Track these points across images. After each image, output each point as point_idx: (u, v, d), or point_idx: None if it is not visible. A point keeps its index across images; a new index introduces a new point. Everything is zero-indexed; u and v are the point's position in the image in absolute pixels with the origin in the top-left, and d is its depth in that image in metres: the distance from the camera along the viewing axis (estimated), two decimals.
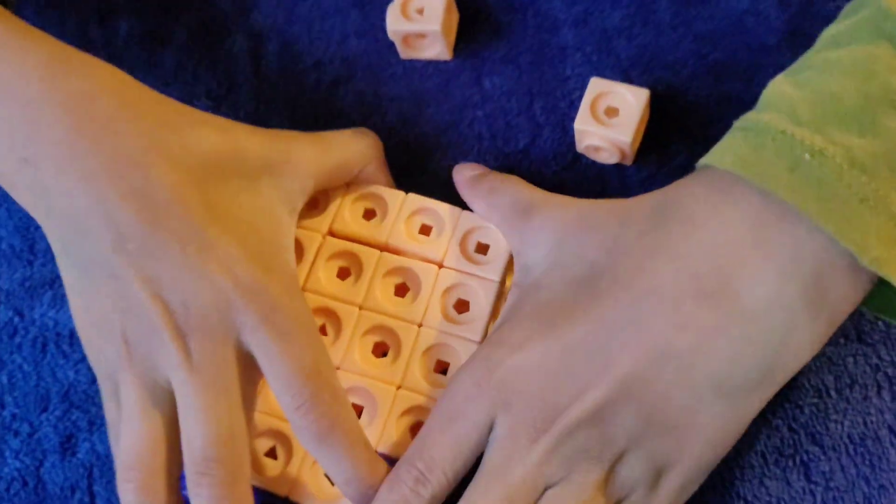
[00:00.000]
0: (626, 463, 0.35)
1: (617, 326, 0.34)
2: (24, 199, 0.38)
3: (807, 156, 0.31)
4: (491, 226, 0.42)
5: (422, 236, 0.42)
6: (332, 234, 0.42)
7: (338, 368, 0.40)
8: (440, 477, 0.35)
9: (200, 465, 0.35)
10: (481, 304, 0.40)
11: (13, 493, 0.42)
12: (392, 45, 0.48)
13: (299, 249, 0.42)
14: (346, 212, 0.43)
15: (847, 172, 0.30)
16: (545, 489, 0.35)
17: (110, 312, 0.36)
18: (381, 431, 0.38)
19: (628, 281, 0.35)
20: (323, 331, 0.40)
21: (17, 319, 0.45)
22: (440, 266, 0.41)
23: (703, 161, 0.35)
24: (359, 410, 0.39)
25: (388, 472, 0.36)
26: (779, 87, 0.34)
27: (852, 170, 0.30)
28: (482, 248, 0.41)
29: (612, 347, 0.34)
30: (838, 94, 0.32)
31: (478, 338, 0.40)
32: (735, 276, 0.32)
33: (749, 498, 0.38)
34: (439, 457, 0.35)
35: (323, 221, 0.42)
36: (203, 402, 0.35)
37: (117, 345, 0.36)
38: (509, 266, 0.41)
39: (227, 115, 0.47)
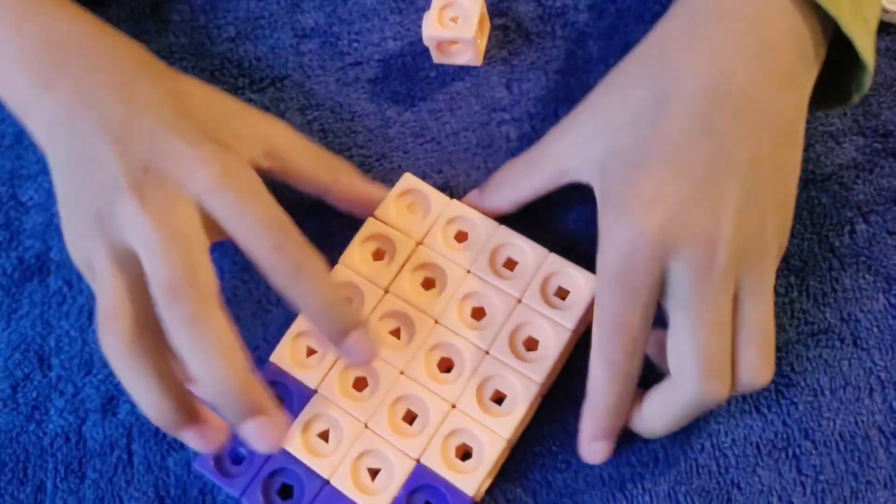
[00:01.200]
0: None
1: (716, 134, 0.38)
2: (35, 123, 0.42)
3: None
4: (520, 243, 0.43)
5: (455, 242, 0.44)
6: (374, 217, 0.45)
7: None
8: (635, 334, 0.37)
9: (168, 292, 0.36)
10: (498, 314, 0.42)
11: (56, 447, 0.44)
12: (426, 49, 0.50)
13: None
14: (390, 203, 0.45)
15: None
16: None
17: (84, 192, 0.39)
18: (373, 410, 0.41)
19: (701, 92, 0.38)
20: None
21: (65, 289, 0.48)
22: (468, 272, 0.43)
23: None
24: (363, 385, 0.42)
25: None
26: None
27: None
28: (510, 264, 0.43)
29: (723, 149, 0.38)
30: None
31: (486, 348, 0.41)
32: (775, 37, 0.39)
33: (742, 485, 0.40)
34: (627, 316, 0.37)
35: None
36: (163, 240, 0.37)
37: (89, 221, 0.38)
38: (536, 288, 0.42)
39: (269, 107, 0.50)
